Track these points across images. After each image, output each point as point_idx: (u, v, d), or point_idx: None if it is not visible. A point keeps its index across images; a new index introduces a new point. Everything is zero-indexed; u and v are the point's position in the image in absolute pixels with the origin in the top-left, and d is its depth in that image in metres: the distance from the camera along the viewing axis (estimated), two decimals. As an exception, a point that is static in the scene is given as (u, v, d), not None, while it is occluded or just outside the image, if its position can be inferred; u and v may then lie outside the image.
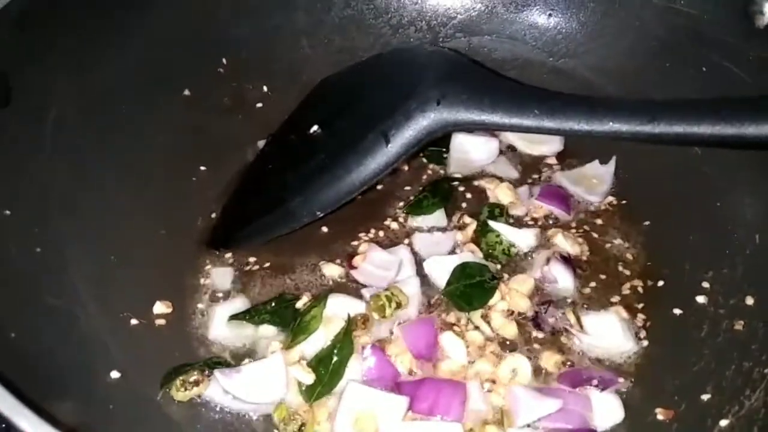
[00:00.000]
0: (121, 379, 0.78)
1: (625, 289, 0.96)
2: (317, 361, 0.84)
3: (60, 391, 0.71)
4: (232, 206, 1.04)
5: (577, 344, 0.89)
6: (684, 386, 0.83)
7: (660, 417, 0.81)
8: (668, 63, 1.06)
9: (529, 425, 0.81)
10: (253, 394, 0.82)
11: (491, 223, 1.00)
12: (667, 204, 1.02)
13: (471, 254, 0.97)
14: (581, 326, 0.89)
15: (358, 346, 0.85)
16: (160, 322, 0.89)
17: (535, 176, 1.11)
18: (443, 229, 1.03)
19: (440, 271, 0.95)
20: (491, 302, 0.92)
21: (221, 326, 0.90)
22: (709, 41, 1.00)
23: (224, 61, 1.13)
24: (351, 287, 0.95)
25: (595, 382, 0.83)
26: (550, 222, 1.04)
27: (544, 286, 0.95)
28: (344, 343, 0.85)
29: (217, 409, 0.83)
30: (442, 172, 1.12)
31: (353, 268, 0.96)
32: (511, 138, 1.14)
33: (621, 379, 0.85)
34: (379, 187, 1.08)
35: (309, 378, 0.83)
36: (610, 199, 1.06)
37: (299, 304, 0.91)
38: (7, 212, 0.78)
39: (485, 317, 0.91)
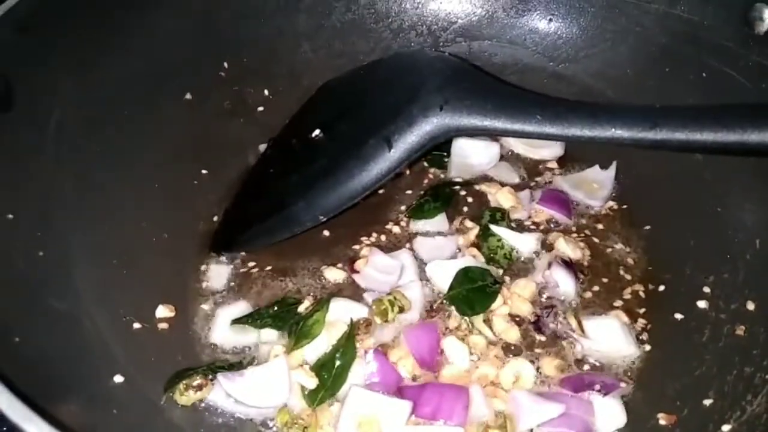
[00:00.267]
0: (124, 383, 0.78)
1: (627, 294, 0.96)
2: (320, 366, 0.84)
3: (63, 396, 0.70)
4: (234, 210, 1.04)
5: (579, 349, 0.89)
6: (686, 391, 0.83)
7: (662, 422, 0.81)
8: (668, 68, 1.07)
9: (531, 430, 0.82)
10: (256, 398, 0.82)
11: (493, 228, 1.00)
12: (668, 209, 1.02)
13: (472, 258, 0.97)
14: (583, 331, 0.90)
15: (360, 351, 0.85)
16: (163, 326, 0.89)
17: (537, 180, 1.11)
18: (445, 234, 1.03)
19: (442, 276, 0.95)
20: (493, 306, 0.92)
21: (224, 330, 0.90)
22: (709, 47, 1.00)
23: (225, 65, 1.13)
24: (353, 291, 0.95)
25: (597, 386, 0.83)
26: (552, 226, 1.04)
27: (546, 291, 0.95)
28: (347, 347, 0.85)
29: (220, 413, 0.82)
30: (443, 176, 1.12)
31: (355, 272, 0.96)
32: (512, 142, 1.15)
33: (623, 384, 0.85)
34: (380, 191, 1.08)
35: (312, 382, 0.83)
36: (611, 203, 1.07)
37: (301, 308, 0.91)
38: (10, 216, 0.78)
39: (487, 322, 0.91)
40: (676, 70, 1.05)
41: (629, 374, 0.87)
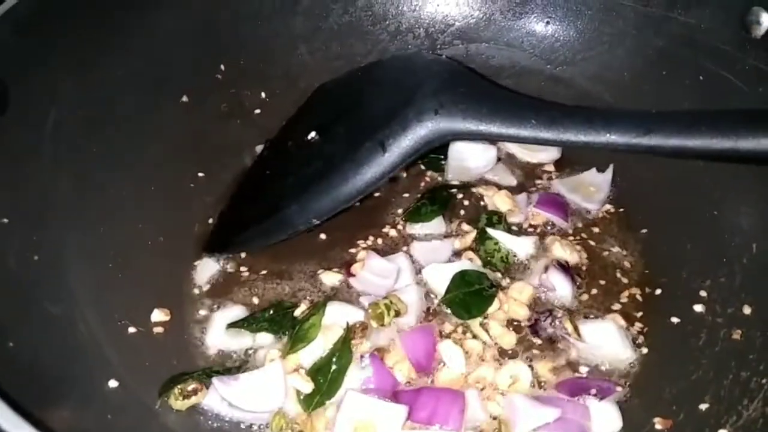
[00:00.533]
0: (119, 387, 0.77)
1: (623, 297, 0.96)
2: (316, 370, 0.84)
3: (57, 400, 0.70)
4: (229, 211, 1.04)
5: (575, 353, 0.89)
6: (682, 395, 0.83)
7: (658, 426, 0.81)
8: (665, 72, 1.07)
9: (527, 434, 0.81)
10: (251, 403, 0.81)
11: (490, 231, 1.00)
12: (665, 212, 1.02)
13: (469, 262, 0.97)
14: (579, 334, 0.90)
15: (356, 355, 0.85)
16: (158, 330, 0.88)
17: (534, 184, 1.11)
18: (441, 237, 1.03)
19: (439, 279, 0.95)
20: (490, 310, 0.92)
21: (219, 334, 0.90)
22: (706, 50, 1.00)
23: (222, 67, 1.13)
24: (349, 295, 0.95)
25: (593, 390, 0.83)
26: (549, 229, 1.04)
27: (542, 294, 0.95)
28: (343, 351, 0.85)
29: (215, 417, 0.82)
30: (440, 179, 1.12)
31: (351, 275, 0.96)
32: (509, 145, 1.14)
33: (619, 388, 0.85)
34: (377, 194, 1.08)
35: (307, 387, 0.83)
36: (608, 207, 1.07)
37: (297, 312, 0.90)
38: (5, 220, 0.78)
39: (484, 325, 0.91)
40: (673, 73, 1.05)
41: (625, 378, 0.87)
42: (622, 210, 1.06)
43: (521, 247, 1.00)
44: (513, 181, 1.11)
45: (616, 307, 0.95)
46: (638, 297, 0.96)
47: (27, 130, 0.84)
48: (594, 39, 1.14)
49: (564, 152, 1.14)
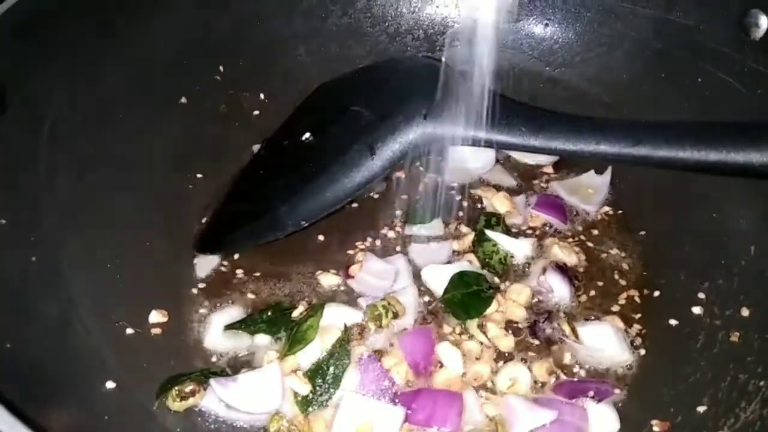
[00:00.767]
0: (116, 389, 0.77)
1: (622, 299, 0.96)
2: (313, 372, 0.84)
3: (54, 402, 0.70)
4: (223, 210, 1.04)
5: (573, 355, 0.89)
6: (680, 398, 0.83)
7: (656, 429, 0.81)
8: (663, 74, 1.07)
9: (524, 436, 0.81)
10: (249, 404, 0.81)
11: (488, 233, 1.00)
12: (663, 214, 1.02)
13: (468, 264, 0.97)
14: (576, 336, 0.89)
15: (354, 356, 0.85)
16: (156, 331, 0.88)
17: (532, 185, 1.11)
18: (440, 239, 1.03)
19: (437, 281, 0.95)
20: (488, 312, 0.91)
21: (217, 335, 0.90)
22: (704, 52, 1.00)
23: (221, 68, 1.13)
24: (347, 296, 0.95)
25: (591, 393, 0.83)
26: (547, 230, 1.04)
27: (541, 296, 0.95)
28: (340, 353, 0.85)
29: (213, 419, 0.82)
30: (439, 180, 1.12)
31: (350, 277, 0.96)
32: (508, 147, 1.14)
33: (617, 390, 0.85)
34: (375, 195, 1.08)
35: (305, 388, 0.83)
36: (606, 208, 1.07)
37: (295, 314, 0.90)
38: (3, 221, 0.78)
39: (482, 327, 0.91)
40: (671, 75, 1.05)
41: (623, 380, 0.87)
42: (620, 212, 1.06)
43: (520, 248, 1.00)
44: (512, 183, 1.11)
45: (615, 308, 0.95)
46: (636, 299, 0.96)
47: (25, 131, 0.84)
48: (593, 41, 1.14)
49: (563, 154, 1.14)
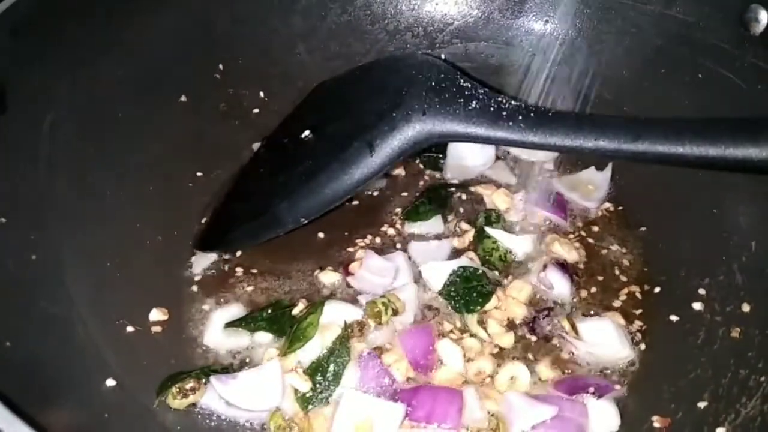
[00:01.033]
0: (116, 387, 0.77)
1: (622, 295, 0.96)
2: (313, 369, 0.84)
3: (55, 400, 0.70)
4: (223, 208, 1.04)
5: (573, 351, 0.89)
6: (680, 393, 0.82)
7: (656, 425, 0.80)
8: (664, 70, 1.06)
9: (524, 432, 0.81)
10: (249, 401, 0.81)
11: (488, 230, 1.00)
12: (664, 210, 1.02)
13: (468, 261, 0.97)
14: (576, 333, 0.89)
15: (354, 354, 0.85)
16: (156, 329, 0.88)
17: (533, 182, 1.10)
18: (440, 236, 1.03)
19: (437, 278, 0.95)
20: (488, 308, 0.91)
21: (217, 333, 0.90)
22: (704, 48, 1.00)
23: (221, 66, 1.13)
24: (347, 294, 0.95)
25: (591, 389, 0.83)
26: (547, 227, 1.04)
27: (541, 293, 0.95)
28: (341, 350, 0.85)
29: (213, 416, 0.82)
30: (438, 177, 1.12)
31: (349, 274, 0.96)
32: (508, 144, 1.14)
33: (617, 387, 0.85)
34: (375, 193, 1.08)
35: (305, 386, 0.83)
36: (607, 205, 1.07)
37: (295, 311, 0.90)
38: (3, 220, 0.78)
39: (482, 323, 0.91)
40: (671, 71, 1.05)
41: (624, 376, 0.87)
42: (621, 208, 1.06)
43: (520, 245, 0.99)
44: (512, 180, 1.11)
45: (615, 305, 0.94)
46: (637, 295, 0.95)
47: (25, 130, 0.84)
48: (592, 37, 1.14)
49: (563, 151, 1.13)
